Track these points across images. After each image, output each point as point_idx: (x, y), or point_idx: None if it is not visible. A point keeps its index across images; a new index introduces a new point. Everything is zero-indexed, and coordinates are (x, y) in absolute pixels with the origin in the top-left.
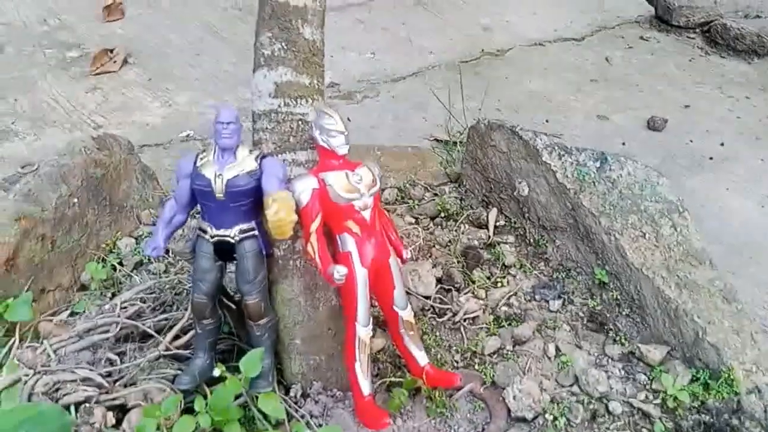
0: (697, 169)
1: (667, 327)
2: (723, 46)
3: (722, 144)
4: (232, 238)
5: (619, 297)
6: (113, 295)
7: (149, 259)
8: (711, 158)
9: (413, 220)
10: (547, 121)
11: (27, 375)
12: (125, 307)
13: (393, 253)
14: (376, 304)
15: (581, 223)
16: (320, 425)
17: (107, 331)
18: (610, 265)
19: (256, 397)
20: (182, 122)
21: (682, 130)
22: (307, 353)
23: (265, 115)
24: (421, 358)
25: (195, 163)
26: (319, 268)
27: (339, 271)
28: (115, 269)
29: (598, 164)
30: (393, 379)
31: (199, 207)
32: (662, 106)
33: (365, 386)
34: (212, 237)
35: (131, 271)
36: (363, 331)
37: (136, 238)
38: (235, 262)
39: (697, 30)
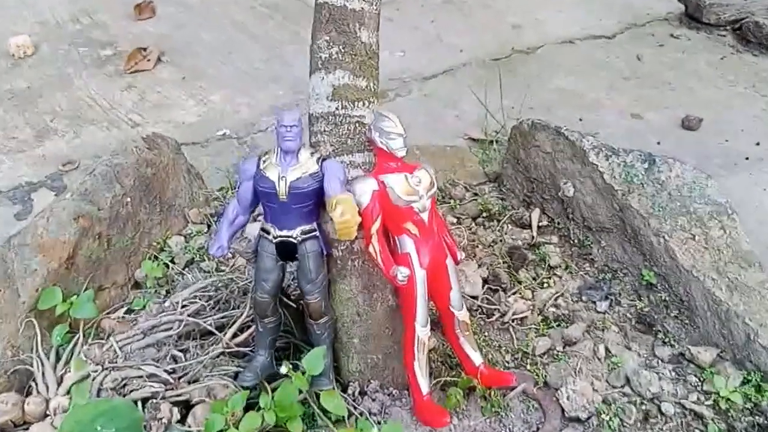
0: (733, 169)
1: (717, 329)
2: (755, 44)
3: (758, 143)
4: (295, 238)
5: (667, 298)
6: (167, 292)
7: (203, 257)
8: (747, 158)
9: (455, 220)
10: (580, 119)
11: (95, 371)
12: (186, 305)
13: (449, 254)
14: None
15: (629, 225)
16: (378, 423)
17: (170, 329)
18: (658, 267)
19: (318, 395)
20: (217, 120)
21: (716, 130)
22: (364, 352)
23: (322, 117)
24: (477, 358)
25: (258, 165)
26: (382, 269)
27: (402, 272)
28: (167, 267)
29: (646, 165)
30: (447, 378)
31: (261, 208)
32: (695, 104)
33: (424, 385)
34: (275, 237)
35: (183, 269)
36: (422, 331)
37: (185, 237)
38: (296, 261)
39: (728, 28)
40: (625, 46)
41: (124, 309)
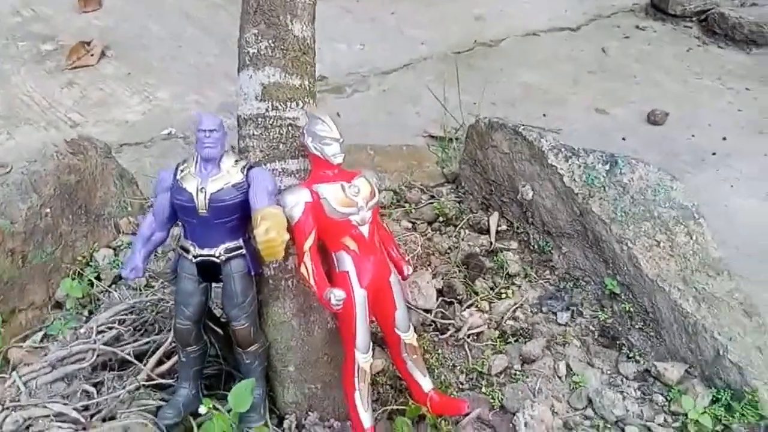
0: (701, 166)
1: (684, 343)
2: (720, 35)
3: (724, 138)
4: (218, 257)
5: (631, 309)
6: (90, 313)
7: None
8: (714, 153)
9: (410, 225)
10: (544, 115)
11: None
12: (102, 331)
13: (394, 270)
14: (375, 323)
15: (590, 230)
16: None
17: (83, 359)
18: (621, 276)
19: None
20: (164, 119)
21: (683, 124)
22: (301, 381)
23: (251, 119)
24: (426, 383)
25: (175, 175)
26: (315, 291)
27: (336, 296)
28: (92, 285)
29: (607, 167)
30: (395, 407)
31: (179, 223)
32: (661, 98)
33: (366, 419)
34: (195, 257)
35: (110, 286)
36: (363, 358)
37: (114, 249)
38: (221, 283)
39: (694, 19)
40: (590, 38)
41: (42, 333)
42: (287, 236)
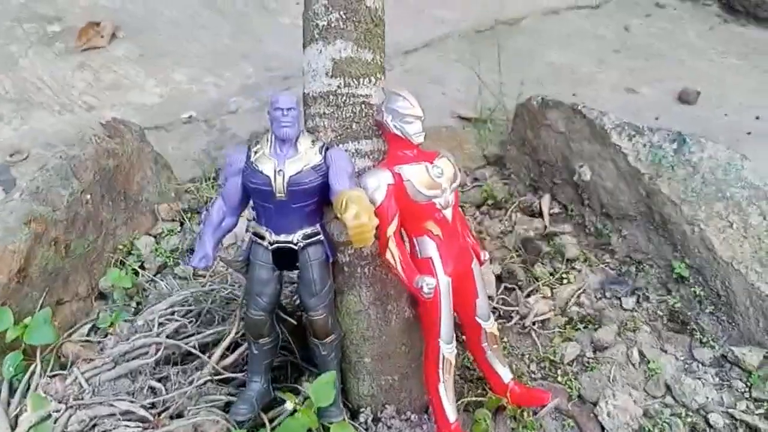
0: (737, 146)
1: (761, 327)
2: (742, 13)
3: (757, 118)
4: (295, 244)
5: (701, 293)
6: (138, 304)
7: (177, 261)
8: (749, 133)
9: None
10: (574, 94)
11: (58, 411)
12: (162, 323)
13: (474, 256)
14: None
15: (657, 212)
16: None
17: (145, 354)
18: (691, 258)
19: (325, 427)
20: (183, 102)
21: (714, 103)
22: (378, 373)
23: (321, 97)
24: (506, 374)
25: (248, 156)
26: (403, 279)
27: (429, 284)
28: (137, 274)
29: (675, 146)
30: (471, 399)
31: (252, 208)
32: (689, 77)
33: (451, 412)
34: (271, 243)
35: (155, 275)
36: (447, 349)
37: (155, 237)
38: (295, 271)
39: None
40: (611, 16)
41: (89, 326)
42: (377, 221)
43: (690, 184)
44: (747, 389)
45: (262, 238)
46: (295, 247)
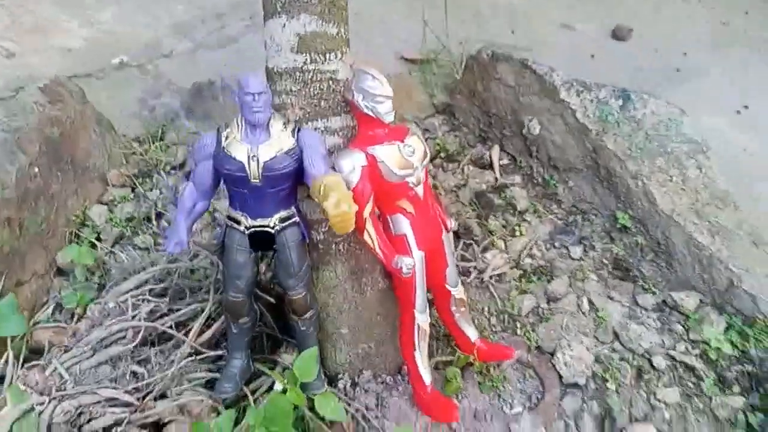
0: (667, 84)
1: (697, 273)
2: None
3: (685, 54)
4: (272, 228)
5: (642, 242)
6: (101, 279)
7: (136, 230)
8: (678, 70)
9: None
10: (513, 32)
11: (41, 403)
12: (135, 304)
13: (443, 227)
14: None
15: (603, 166)
16: (377, 417)
17: (123, 338)
18: (634, 210)
19: (309, 398)
20: (111, 45)
21: (645, 39)
22: (355, 342)
23: (287, 74)
24: (472, 333)
25: (219, 141)
26: (382, 259)
27: (407, 264)
28: (94, 246)
29: (620, 102)
30: (442, 358)
31: (225, 192)
32: (623, 14)
33: (427, 376)
34: (248, 228)
35: (112, 247)
36: (422, 318)
37: (107, 205)
38: (273, 252)
39: None
40: None
41: (52, 306)
42: (356, 207)
43: (634, 140)
44: (685, 332)
45: (238, 222)
46: (272, 231)
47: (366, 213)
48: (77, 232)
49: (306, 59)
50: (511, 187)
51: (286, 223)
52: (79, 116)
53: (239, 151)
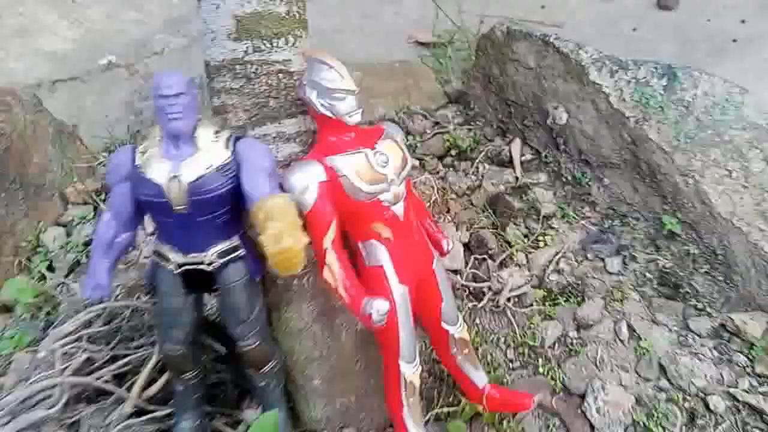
0: (721, 55)
1: (763, 289)
2: None
3: (743, 21)
4: (208, 264)
5: (695, 251)
6: (48, 315)
7: None
8: (734, 40)
9: (417, 163)
10: (543, 6)
11: None
12: (69, 352)
13: (435, 253)
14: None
15: (644, 160)
16: None
17: (49, 397)
18: (684, 213)
19: None
20: (100, 45)
21: (696, 8)
22: (330, 395)
23: (226, 68)
24: (480, 378)
25: (134, 159)
26: (347, 303)
27: (379, 310)
28: (44, 278)
29: (664, 82)
30: (442, 410)
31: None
32: None
33: None
34: (178, 266)
35: (66, 277)
36: (409, 369)
37: (65, 226)
38: (215, 293)
39: None
40: None
41: None
42: (306, 239)
43: (683, 127)
44: (749, 364)
45: (167, 259)
46: (209, 269)
47: (326, 243)
48: (28, 260)
49: (247, 48)
50: (535, 187)
51: (227, 258)
52: (31, 128)
53: (157, 170)
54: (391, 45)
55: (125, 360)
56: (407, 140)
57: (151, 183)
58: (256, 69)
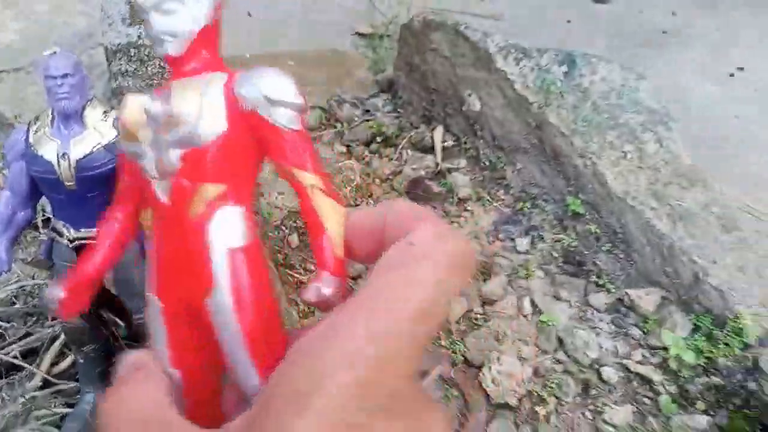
0: (652, 47)
1: (658, 265)
2: None
3: (674, 13)
4: None
5: (597, 230)
6: None
7: None
8: (664, 32)
9: (344, 149)
10: None
11: None
12: None
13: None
14: None
15: (548, 144)
16: None
17: None
18: (585, 194)
19: None
20: (45, 36)
21: (630, 0)
22: None
23: (121, 51)
24: None
25: (27, 138)
26: None
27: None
28: None
29: (564, 68)
30: None
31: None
32: None
33: None
34: (71, 240)
35: None
36: None
37: None
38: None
39: None
40: None
41: None
42: None
43: (581, 112)
44: (643, 336)
45: (61, 234)
46: None
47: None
48: None
49: (141, 32)
50: (454, 172)
51: None
52: None
53: (48, 148)
54: (334, 37)
55: (35, 336)
56: (336, 127)
57: (42, 160)
58: (149, 52)
